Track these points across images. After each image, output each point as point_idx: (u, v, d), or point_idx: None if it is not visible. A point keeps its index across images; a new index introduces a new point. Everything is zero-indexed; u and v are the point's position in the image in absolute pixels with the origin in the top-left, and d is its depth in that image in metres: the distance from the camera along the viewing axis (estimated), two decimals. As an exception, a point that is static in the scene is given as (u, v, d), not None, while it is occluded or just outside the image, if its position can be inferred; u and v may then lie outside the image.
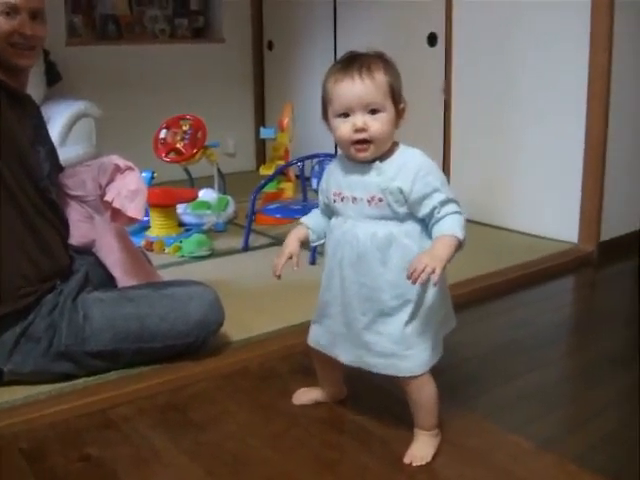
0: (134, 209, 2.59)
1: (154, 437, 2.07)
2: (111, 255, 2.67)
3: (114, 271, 2.66)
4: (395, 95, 1.83)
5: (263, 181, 4.02)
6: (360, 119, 1.78)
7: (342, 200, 1.91)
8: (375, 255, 1.85)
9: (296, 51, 5.95)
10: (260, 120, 6.29)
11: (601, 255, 3.88)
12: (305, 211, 3.86)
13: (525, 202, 4.22)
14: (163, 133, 4.35)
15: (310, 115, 5.65)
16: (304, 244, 2.06)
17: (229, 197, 4.54)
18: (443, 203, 1.83)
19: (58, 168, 2.63)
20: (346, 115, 1.80)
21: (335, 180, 1.94)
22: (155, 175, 4.29)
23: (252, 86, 6.39)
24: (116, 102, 5.38)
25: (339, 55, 5.24)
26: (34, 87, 3.42)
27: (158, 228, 3.99)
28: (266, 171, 4.49)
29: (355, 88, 1.78)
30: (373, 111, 1.79)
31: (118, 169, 2.62)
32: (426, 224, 1.88)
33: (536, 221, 4.15)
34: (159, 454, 1.97)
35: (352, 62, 1.81)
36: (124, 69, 5.62)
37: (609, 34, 3.68)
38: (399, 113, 1.86)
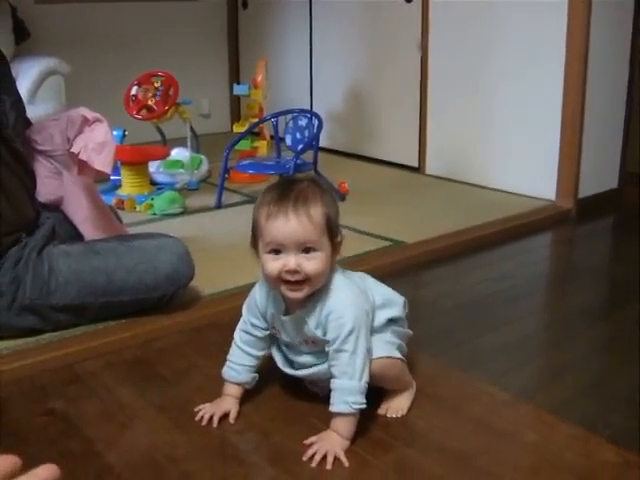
0: (101, 162, 2.53)
1: (121, 391, 2.01)
2: (79, 212, 2.61)
3: (82, 228, 2.60)
4: (332, 228, 1.69)
5: (236, 138, 3.94)
6: (293, 260, 1.64)
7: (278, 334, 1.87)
8: None
9: (270, 9, 5.85)
10: (235, 80, 6.18)
11: (579, 212, 3.87)
12: (278, 167, 3.85)
13: (503, 160, 4.19)
14: (134, 90, 4.26)
15: (284, 73, 5.58)
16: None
17: (202, 156, 4.47)
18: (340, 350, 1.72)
19: (25, 121, 2.55)
20: (277, 252, 1.66)
21: (270, 315, 1.84)
22: (126, 134, 4.21)
23: (226, 46, 6.28)
24: (86, 60, 5.26)
25: (314, 15, 5.31)
26: (2, 45, 3.33)
27: (129, 186, 3.92)
28: (240, 128, 4.42)
29: (289, 227, 1.62)
30: (307, 249, 1.65)
31: (86, 121, 2.55)
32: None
33: (514, 179, 4.12)
34: (125, 408, 1.92)
35: (287, 193, 1.66)
36: (95, 27, 5.49)
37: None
38: (335, 247, 1.72)
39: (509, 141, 4.14)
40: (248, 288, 2.50)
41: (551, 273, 3.17)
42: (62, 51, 4.86)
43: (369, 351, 1.73)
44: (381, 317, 1.85)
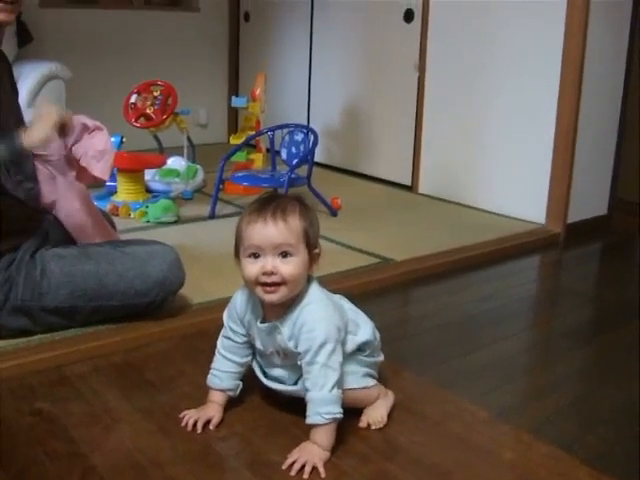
0: (100, 169, 2.56)
1: (108, 395, 2.04)
2: (72, 217, 2.62)
3: (74, 232, 2.62)
4: (309, 240, 1.76)
5: (232, 149, 3.98)
6: (270, 262, 1.71)
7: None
8: None
9: (272, 24, 5.90)
10: (234, 92, 6.23)
11: (568, 237, 3.91)
12: (273, 180, 3.89)
13: (495, 182, 4.24)
14: (133, 98, 4.30)
15: (283, 87, 5.63)
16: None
17: (198, 166, 4.51)
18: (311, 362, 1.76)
19: (22, 124, 2.57)
20: (256, 256, 1.73)
21: (247, 322, 1.89)
22: (124, 140, 4.24)
23: (227, 57, 6.34)
24: (88, 66, 5.32)
25: (314, 30, 5.35)
26: (4, 47, 3.35)
27: (125, 193, 3.94)
28: (236, 140, 4.46)
29: (266, 230, 1.70)
30: (284, 254, 1.72)
31: (86, 129, 2.58)
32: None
33: (505, 201, 4.17)
34: (111, 411, 1.95)
35: (267, 204, 1.74)
36: (97, 34, 5.54)
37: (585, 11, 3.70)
38: (313, 258, 1.79)
39: (501, 164, 4.19)
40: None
41: (537, 295, 3.20)
42: (64, 56, 4.90)
43: (341, 365, 1.76)
44: (354, 341, 1.88)
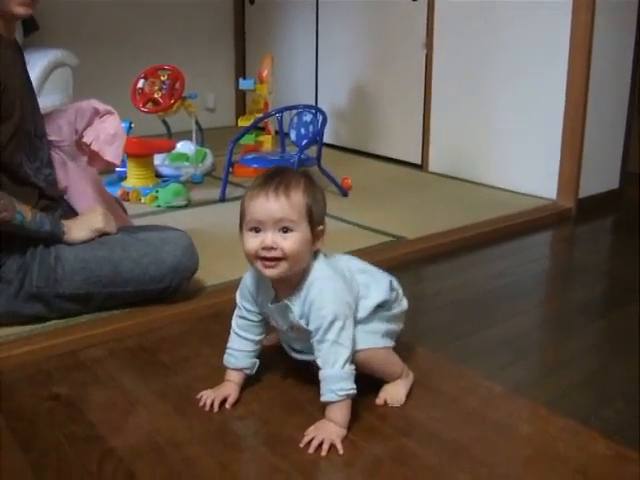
0: (112, 153, 2.57)
1: (124, 378, 2.05)
2: (84, 202, 2.62)
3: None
4: (313, 217, 1.75)
5: (241, 132, 3.98)
6: (270, 237, 1.70)
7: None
8: None
9: (277, 5, 5.88)
10: (241, 74, 6.20)
11: (579, 212, 3.90)
12: (283, 162, 3.88)
13: (505, 159, 4.22)
14: (141, 83, 4.29)
15: (290, 68, 5.61)
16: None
17: (207, 149, 4.51)
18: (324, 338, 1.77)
19: (38, 114, 2.57)
20: (257, 230, 1.73)
21: (260, 302, 1.90)
22: (132, 126, 4.24)
23: (233, 41, 6.33)
24: (94, 53, 5.32)
25: (320, 11, 5.33)
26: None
27: (135, 178, 3.95)
28: (244, 123, 4.45)
29: (268, 204, 1.69)
30: (285, 229, 1.71)
31: (97, 113, 2.58)
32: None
33: (515, 178, 4.15)
34: (128, 394, 1.96)
35: (272, 179, 1.73)
36: (103, 21, 5.54)
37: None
38: (316, 235, 1.77)
39: (511, 140, 4.17)
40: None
41: (550, 271, 3.20)
42: (70, 43, 4.89)
43: (353, 340, 1.77)
44: (367, 306, 1.88)
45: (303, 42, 5.62)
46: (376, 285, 1.92)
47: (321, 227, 1.79)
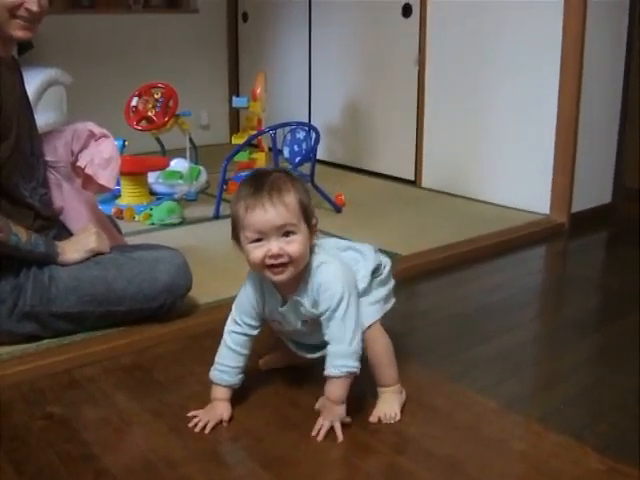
0: (106, 177, 2.58)
1: (118, 396, 2.05)
2: (78, 223, 2.62)
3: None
4: (306, 212, 1.79)
5: (235, 149, 3.99)
6: (275, 245, 1.73)
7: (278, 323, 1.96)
8: None
9: (270, 23, 5.90)
10: (234, 92, 6.23)
11: (572, 226, 3.91)
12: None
13: (498, 174, 4.23)
14: (135, 101, 4.31)
15: (283, 86, 5.63)
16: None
17: (201, 167, 4.52)
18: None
19: (35, 134, 2.58)
20: (259, 240, 1.74)
21: (268, 311, 1.93)
22: (126, 144, 4.25)
23: (226, 58, 6.35)
24: (88, 71, 5.33)
25: (313, 29, 5.35)
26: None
27: (129, 196, 3.96)
28: (238, 140, 4.46)
29: (268, 215, 1.71)
30: (287, 233, 1.74)
31: (92, 136, 2.60)
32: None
33: (508, 193, 4.17)
34: (122, 413, 1.96)
35: (261, 186, 1.74)
36: (97, 38, 5.56)
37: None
38: (311, 229, 1.81)
39: (504, 155, 4.19)
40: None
41: (544, 286, 3.21)
42: (64, 62, 4.90)
43: (359, 317, 1.83)
44: (364, 275, 1.94)
45: (296, 59, 5.64)
46: (363, 256, 1.99)
47: (314, 221, 1.83)
